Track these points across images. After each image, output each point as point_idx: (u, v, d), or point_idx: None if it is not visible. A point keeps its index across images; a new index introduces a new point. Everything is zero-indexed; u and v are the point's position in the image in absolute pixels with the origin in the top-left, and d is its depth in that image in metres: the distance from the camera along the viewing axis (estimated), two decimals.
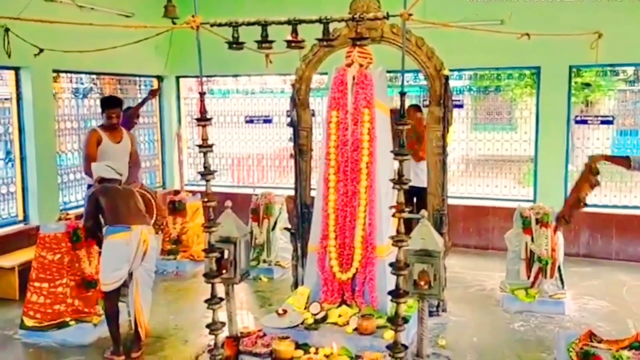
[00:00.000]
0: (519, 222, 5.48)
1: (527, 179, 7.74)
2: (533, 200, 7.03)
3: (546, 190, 7.03)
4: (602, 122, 7.06)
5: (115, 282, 4.43)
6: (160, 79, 8.56)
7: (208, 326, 3.51)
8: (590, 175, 4.10)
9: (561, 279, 5.38)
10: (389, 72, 5.12)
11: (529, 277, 5.39)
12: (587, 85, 7.93)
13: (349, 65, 4.64)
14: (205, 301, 3.50)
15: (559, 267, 5.37)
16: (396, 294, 3.16)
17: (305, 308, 4.60)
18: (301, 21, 3.34)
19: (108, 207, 4.46)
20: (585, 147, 7.38)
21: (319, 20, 3.34)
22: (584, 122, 7.10)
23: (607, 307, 5.43)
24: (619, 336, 4.13)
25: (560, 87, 6.87)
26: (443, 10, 6.18)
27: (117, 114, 5.62)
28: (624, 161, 4.27)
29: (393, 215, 3.08)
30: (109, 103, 5.74)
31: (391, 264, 3.15)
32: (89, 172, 5.42)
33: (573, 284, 5.70)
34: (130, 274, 4.52)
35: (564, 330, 4.77)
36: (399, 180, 3.08)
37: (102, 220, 4.55)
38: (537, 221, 5.37)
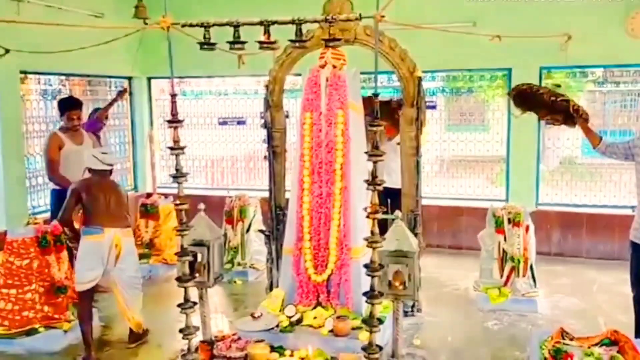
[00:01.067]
0: (492, 221, 5.54)
1: (499, 179, 7.83)
2: (505, 200, 7.12)
3: (518, 190, 7.13)
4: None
5: (90, 281, 4.44)
6: (130, 79, 8.43)
7: (181, 331, 3.46)
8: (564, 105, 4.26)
9: (533, 278, 5.45)
10: (362, 73, 5.12)
11: (502, 276, 5.46)
12: (558, 86, 8.03)
13: (322, 67, 4.62)
14: (178, 305, 3.45)
15: (531, 266, 5.44)
16: (371, 295, 3.16)
17: (280, 311, 4.58)
18: (274, 22, 3.32)
19: (86, 206, 4.43)
20: (555, 147, 7.50)
21: (292, 22, 3.31)
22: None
23: (578, 304, 5.53)
24: (590, 333, 4.18)
25: None
26: (416, 11, 6.21)
27: (78, 116, 5.53)
28: (596, 138, 4.37)
29: (367, 217, 3.08)
30: (69, 105, 5.64)
31: (366, 265, 3.15)
32: (52, 177, 5.34)
33: (545, 283, 5.78)
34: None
35: (537, 328, 4.84)
36: (372, 181, 3.07)
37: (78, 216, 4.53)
38: (510, 221, 5.44)
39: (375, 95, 3.09)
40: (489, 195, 7.67)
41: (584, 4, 6.52)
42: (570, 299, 5.64)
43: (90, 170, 4.57)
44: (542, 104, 4.57)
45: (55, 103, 7.19)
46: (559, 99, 4.45)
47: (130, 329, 4.74)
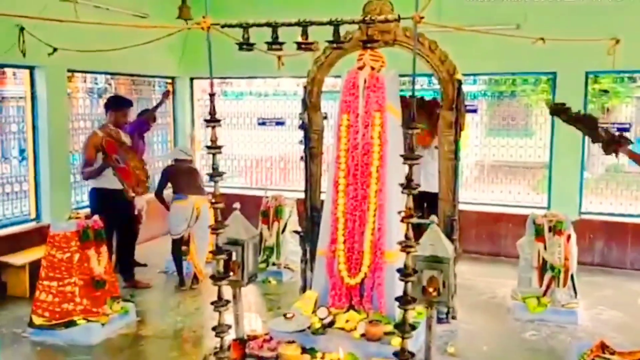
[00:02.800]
0: (532, 229, 5.39)
1: (541, 185, 7.64)
2: (547, 207, 6.94)
3: (560, 198, 6.93)
4: (619, 129, 6.93)
5: (178, 234, 6.06)
6: (174, 79, 8.57)
7: (214, 328, 3.49)
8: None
9: (574, 288, 5.29)
10: (401, 75, 5.07)
11: (541, 286, 5.31)
12: (605, 91, 7.81)
13: (360, 68, 4.60)
14: (212, 303, 3.48)
15: (571, 276, 5.27)
16: (403, 301, 3.11)
17: (312, 312, 4.57)
18: (311, 23, 3.31)
19: (173, 181, 6.10)
20: (600, 154, 7.24)
21: (330, 22, 3.30)
22: (622, 133, 6.99)
23: (621, 317, 5.33)
24: (632, 347, 4.04)
25: (577, 93, 6.76)
26: (458, 14, 6.12)
27: (125, 113, 5.69)
28: None
29: (401, 221, 3.04)
30: (119, 104, 5.81)
31: (399, 270, 3.11)
32: (88, 177, 5.55)
33: (586, 294, 5.60)
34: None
35: (576, 340, 4.69)
36: (407, 185, 3.03)
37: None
38: (550, 229, 5.28)
39: (412, 97, 3.05)
40: (529, 202, 7.49)
41: (633, 5, 6.30)
42: (613, 312, 5.44)
43: (176, 160, 6.26)
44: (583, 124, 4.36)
45: (101, 101, 7.42)
46: (599, 129, 4.23)
47: (194, 275, 6.09)
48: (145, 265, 6.65)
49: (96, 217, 5.09)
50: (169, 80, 8.55)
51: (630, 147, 4.11)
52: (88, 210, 5.94)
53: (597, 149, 7.09)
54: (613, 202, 7.18)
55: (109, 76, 7.70)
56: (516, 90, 7.75)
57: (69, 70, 6.68)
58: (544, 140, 7.28)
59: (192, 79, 8.74)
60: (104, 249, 5.05)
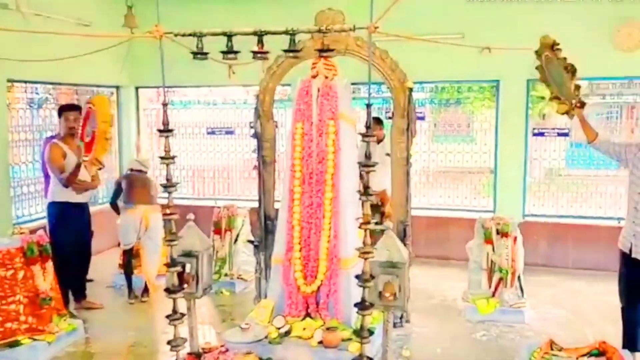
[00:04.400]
0: (480, 232, 5.56)
1: (486, 190, 7.88)
2: (493, 210, 7.16)
3: (505, 201, 7.17)
4: (559, 134, 7.26)
5: (128, 244, 5.94)
6: (118, 89, 8.37)
7: (169, 342, 3.43)
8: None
9: (521, 289, 5.47)
10: (353, 84, 5.15)
11: (490, 287, 5.47)
12: (543, 98, 8.13)
13: (314, 77, 4.64)
14: (167, 316, 3.42)
15: (518, 277, 5.46)
16: (362, 306, 3.15)
17: (269, 322, 4.54)
18: (267, 32, 3.33)
19: (125, 189, 5.97)
20: (542, 158, 7.57)
21: (285, 32, 3.33)
22: (541, 134, 7.29)
23: (566, 315, 5.55)
24: (577, 344, 4.20)
25: (519, 100, 7.04)
26: (405, 23, 6.24)
27: (75, 117, 5.50)
28: (592, 132, 4.38)
29: (359, 227, 3.07)
30: (68, 107, 5.65)
31: (357, 276, 3.14)
32: (67, 184, 5.32)
33: (532, 293, 5.80)
34: None
35: (525, 339, 4.85)
36: (365, 191, 3.07)
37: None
38: (498, 231, 5.46)
39: (368, 105, 3.10)
40: (476, 206, 7.71)
41: (572, 17, 6.62)
42: (558, 310, 5.66)
43: (131, 169, 6.17)
44: (560, 77, 4.53)
45: (42, 112, 7.16)
46: (574, 81, 4.43)
47: (145, 287, 6.01)
48: (91, 280, 6.44)
49: (41, 231, 4.90)
50: (114, 90, 8.34)
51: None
52: (32, 225, 5.70)
53: (539, 154, 7.41)
54: (554, 205, 7.48)
55: (50, 86, 7.44)
56: (461, 98, 7.97)
57: (8, 80, 6.42)
58: (489, 146, 7.52)
59: (137, 88, 8.56)
60: (49, 264, 4.86)
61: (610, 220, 6.91)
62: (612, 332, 4.64)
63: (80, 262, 5.70)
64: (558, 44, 4.48)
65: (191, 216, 4.05)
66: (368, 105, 3.07)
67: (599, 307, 5.65)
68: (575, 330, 5.12)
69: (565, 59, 4.45)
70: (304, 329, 4.41)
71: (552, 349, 4.02)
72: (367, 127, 3.11)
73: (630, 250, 4.20)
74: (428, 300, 5.96)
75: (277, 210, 4.98)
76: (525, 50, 6.13)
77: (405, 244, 4.64)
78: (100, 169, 5.57)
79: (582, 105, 4.40)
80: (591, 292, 6.16)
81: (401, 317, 5.12)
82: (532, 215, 7.27)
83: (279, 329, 4.41)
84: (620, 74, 6.87)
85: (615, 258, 4.44)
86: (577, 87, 4.42)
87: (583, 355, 3.90)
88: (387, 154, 5.37)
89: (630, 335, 4.35)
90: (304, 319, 4.54)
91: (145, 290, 6.01)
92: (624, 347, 4.18)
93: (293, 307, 4.60)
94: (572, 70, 4.45)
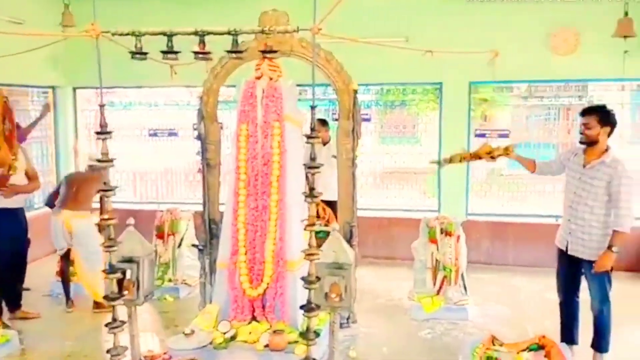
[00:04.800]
0: (425, 232, 5.65)
1: (431, 190, 8.02)
2: (437, 210, 7.28)
3: (449, 201, 7.32)
4: (499, 136, 7.47)
5: (60, 249, 5.64)
6: (54, 89, 8.04)
7: (109, 351, 3.30)
8: (487, 156, 4.61)
9: (464, 286, 5.59)
10: (298, 85, 5.12)
11: (434, 285, 5.56)
12: (484, 100, 8.36)
13: (258, 78, 4.59)
14: (106, 325, 3.29)
15: (462, 275, 5.57)
16: (308, 308, 3.13)
17: (214, 327, 4.46)
18: (209, 32, 3.27)
19: (62, 190, 5.68)
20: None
21: (228, 32, 3.28)
22: (483, 135, 7.47)
23: (507, 311, 5.71)
24: (518, 339, 4.32)
25: (461, 102, 7.20)
26: (351, 26, 6.28)
27: (10, 117, 5.24)
28: (531, 164, 4.59)
29: (305, 229, 3.05)
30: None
31: (303, 278, 3.12)
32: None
33: (475, 290, 5.93)
34: None
35: (468, 335, 4.95)
36: (310, 193, 3.05)
37: None
38: (442, 231, 5.56)
39: (312, 107, 3.08)
40: (421, 207, 7.82)
41: (511, 22, 6.82)
42: (499, 306, 5.81)
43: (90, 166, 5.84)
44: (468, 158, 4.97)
45: None
46: (478, 158, 4.82)
47: (68, 295, 5.73)
48: (28, 289, 6.15)
49: None
50: (50, 90, 8.01)
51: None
52: None
53: None
54: (495, 204, 7.69)
55: None
56: (406, 100, 8.08)
57: None
58: (433, 147, 7.65)
59: (75, 89, 8.26)
60: None
61: (548, 219, 7.15)
62: (551, 326, 4.80)
63: (14, 272, 5.42)
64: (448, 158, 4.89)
65: (131, 220, 3.92)
66: (313, 107, 3.06)
67: (539, 303, 5.84)
68: (516, 326, 5.27)
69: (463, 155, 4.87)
70: (250, 333, 4.35)
71: (493, 345, 4.12)
72: (312, 128, 3.09)
73: (567, 248, 4.36)
74: (375, 300, 6.01)
75: (222, 213, 4.90)
76: (467, 54, 6.32)
77: (351, 245, 4.66)
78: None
79: (507, 152, 4.64)
80: (531, 288, 6.36)
81: (348, 318, 5.13)
82: (474, 215, 7.44)
83: (224, 334, 4.33)
84: (557, 77, 7.12)
85: (553, 254, 4.59)
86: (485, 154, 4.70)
87: (523, 350, 4.00)
88: (334, 156, 5.37)
89: (567, 329, 4.51)
90: (249, 323, 4.49)
91: (95, 303, 5.62)
92: (562, 340, 4.33)
93: (239, 312, 4.53)
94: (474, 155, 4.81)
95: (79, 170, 5.91)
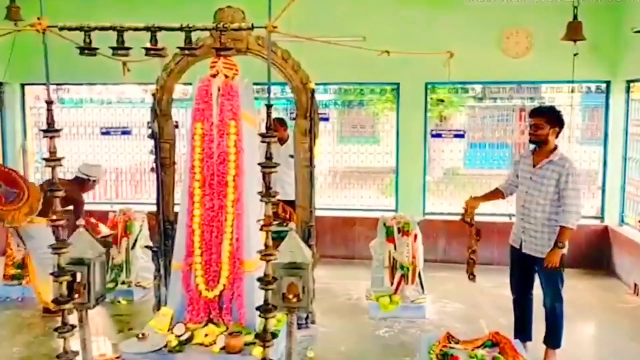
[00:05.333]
0: (383, 231, 5.68)
1: (389, 189, 8.08)
2: (395, 209, 7.34)
3: (407, 200, 7.38)
4: (455, 136, 7.59)
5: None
6: (1, 85, 7.74)
7: (59, 357, 3.18)
8: (472, 233, 4.69)
9: (421, 285, 5.64)
10: (255, 84, 5.06)
11: (392, 284, 5.59)
12: (441, 101, 8.49)
13: (213, 76, 4.50)
14: (55, 329, 3.17)
15: (419, 273, 5.62)
16: (264, 309, 3.08)
17: (168, 330, 4.35)
18: (161, 28, 3.17)
19: None
20: (440, 159, 7.87)
21: (180, 28, 3.19)
22: (439, 135, 7.58)
23: (463, 308, 5.79)
24: (473, 336, 4.39)
25: (418, 102, 7.28)
26: (308, 25, 6.26)
27: None
28: (498, 194, 4.67)
29: (261, 229, 3.01)
30: None
31: (259, 279, 3.07)
32: None
33: (432, 289, 6.00)
34: None
35: (425, 333, 5.00)
36: (266, 192, 3.01)
37: None
38: (399, 230, 5.60)
39: (268, 105, 3.04)
40: (379, 206, 7.88)
41: (465, 24, 6.94)
42: (455, 304, 5.90)
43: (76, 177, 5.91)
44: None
45: None
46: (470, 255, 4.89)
47: (44, 307, 5.52)
48: None
49: None
50: None
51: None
52: None
53: (437, 154, 7.71)
54: (452, 203, 7.80)
55: None
56: (364, 99, 8.12)
57: None
58: (390, 147, 7.71)
59: (23, 85, 7.97)
60: None
61: (502, 217, 7.29)
62: (505, 323, 4.89)
63: None
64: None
65: (81, 222, 3.80)
66: (268, 106, 3.02)
67: (493, 300, 5.95)
68: (472, 323, 5.35)
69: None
70: (206, 335, 4.26)
71: (449, 342, 4.17)
72: (268, 127, 3.05)
73: (521, 246, 4.45)
74: (333, 299, 6.00)
75: (176, 213, 4.80)
76: (423, 55, 6.38)
77: (309, 245, 4.64)
78: None
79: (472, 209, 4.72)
80: (486, 285, 6.44)
81: (306, 318, 5.11)
82: (431, 214, 7.52)
83: (179, 336, 4.23)
84: (510, 79, 7.28)
85: (507, 253, 4.68)
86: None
87: (478, 347, 4.07)
88: (291, 156, 5.34)
89: (521, 325, 4.61)
90: (205, 325, 4.40)
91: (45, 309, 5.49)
92: (515, 337, 4.41)
93: (194, 314, 4.44)
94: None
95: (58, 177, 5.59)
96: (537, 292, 4.52)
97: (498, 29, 6.93)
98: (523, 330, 4.58)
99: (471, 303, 5.93)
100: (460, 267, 7.09)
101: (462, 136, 7.64)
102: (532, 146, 4.50)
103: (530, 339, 4.57)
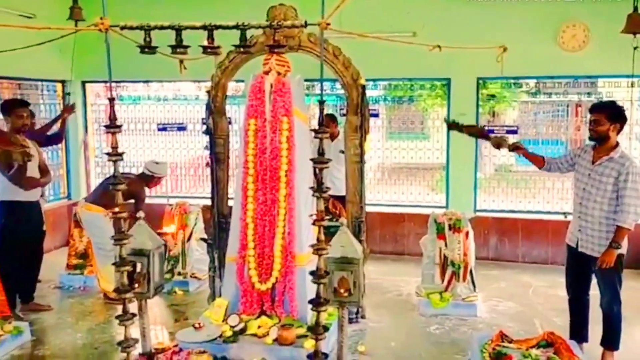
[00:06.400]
0: (433, 227, 5.64)
1: (439, 186, 8.01)
2: (445, 206, 7.28)
3: (457, 197, 7.30)
4: (508, 132, 7.43)
5: None
6: (64, 83, 8.09)
7: (119, 344, 3.33)
8: (497, 141, 4.60)
9: (473, 282, 5.58)
10: (306, 80, 5.13)
11: (443, 281, 5.56)
12: (492, 96, 8.34)
13: (266, 73, 4.59)
14: (117, 317, 3.32)
15: (470, 271, 5.56)
16: (317, 303, 3.14)
17: (223, 320, 4.48)
18: (217, 27, 3.26)
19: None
20: (492, 155, 7.74)
21: (236, 27, 3.27)
22: (491, 131, 7.41)
23: (516, 308, 5.69)
24: (527, 335, 4.33)
25: (469, 98, 7.17)
26: (358, 21, 6.28)
27: (27, 114, 5.28)
28: (539, 159, 4.57)
29: (313, 224, 3.06)
30: (16, 103, 5.40)
31: (312, 273, 3.13)
32: (20, 183, 5.05)
33: (483, 287, 5.93)
34: None
35: (477, 331, 4.94)
36: (318, 188, 3.06)
37: None
38: (450, 227, 5.55)
39: (321, 102, 3.09)
40: (429, 202, 7.82)
41: (519, 17, 6.79)
42: (508, 303, 5.80)
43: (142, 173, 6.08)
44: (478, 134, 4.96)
45: None
46: (493, 137, 4.76)
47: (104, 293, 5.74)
48: (39, 281, 6.22)
49: None
50: (59, 84, 8.04)
51: (511, 142, 4.61)
52: None
53: (489, 150, 7.59)
54: (504, 200, 7.67)
55: None
56: (414, 95, 8.06)
57: None
58: (441, 143, 7.64)
59: (84, 83, 8.30)
60: None
61: (557, 215, 7.12)
62: (560, 323, 4.80)
63: (31, 264, 5.47)
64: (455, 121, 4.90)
65: (141, 214, 3.95)
66: (321, 102, 3.06)
67: (547, 300, 5.83)
68: (525, 322, 5.26)
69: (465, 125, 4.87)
70: (259, 326, 4.37)
71: (502, 341, 4.13)
72: (320, 123, 3.10)
73: (577, 245, 4.34)
74: (383, 295, 6.01)
75: (230, 207, 4.92)
76: (475, 49, 6.29)
77: (359, 240, 4.66)
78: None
79: (516, 147, 4.61)
80: (539, 285, 6.34)
81: (357, 313, 5.14)
82: (482, 211, 7.42)
83: (233, 327, 4.36)
84: (566, 73, 7.08)
85: (562, 251, 4.58)
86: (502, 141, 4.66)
87: (532, 347, 4.01)
88: (341, 151, 5.37)
89: (577, 326, 4.50)
90: (258, 317, 4.50)
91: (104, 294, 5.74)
92: (571, 337, 4.32)
93: (248, 305, 4.56)
94: (476, 127, 5.00)
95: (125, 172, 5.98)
96: (594, 292, 4.41)
97: (554, 22, 6.75)
98: (579, 331, 4.47)
99: (524, 302, 5.83)
100: (513, 266, 7.04)
101: (515, 132, 7.47)
102: (592, 142, 4.38)
103: (586, 340, 4.46)
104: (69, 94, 7.97)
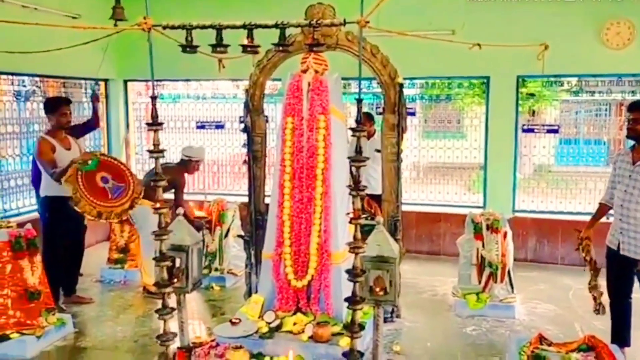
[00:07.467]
0: (470, 227, 5.57)
1: (476, 185, 7.91)
2: (483, 206, 7.18)
3: (495, 197, 7.20)
4: (548, 131, 7.29)
5: None
6: (106, 82, 8.29)
7: (159, 337, 3.41)
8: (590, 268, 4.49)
9: (511, 284, 5.49)
10: (343, 79, 5.13)
11: (480, 282, 5.49)
12: (532, 95, 8.18)
13: (304, 72, 4.61)
14: (156, 311, 3.40)
15: (508, 272, 5.48)
16: (353, 301, 3.15)
17: (259, 317, 4.53)
18: (257, 26, 3.30)
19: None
20: (532, 154, 7.60)
21: (276, 25, 3.30)
22: (531, 130, 7.31)
23: (555, 310, 5.59)
24: (567, 339, 4.24)
25: (509, 96, 7.05)
26: (396, 19, 6.25)
27: (71, 111, 5.47)
28: (604, 209, 4.48)
29: (350, 222, 3.07)
30: (61, 101, 5.59)
31: (347, 271, 3.14)
32: (59, 179, 5.20)
33: (522, 288, 5.84)
34: None
35: (515, 333, 4.87)
36: (355, 186, 3.07)
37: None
38: (488, 227, 5.47)
39: (359, 100, 3.09)
40: (466, 202, 7.73)
41: (561, 14, 6.64)
42: (547, 305, 5.70)
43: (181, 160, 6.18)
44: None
45: (29, 104, 7.06)
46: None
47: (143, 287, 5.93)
48: (81, 274, 6.40)
49: (29, 225, 4.84)
50: (102, 83, 8.25)
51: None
52: (19, 218, 5.63)
53: (529, 150, 7.46)
54: (543, 201, 7.52)
55: (37, 78, 7.36)
56: (451, 94, 7.97)
57: None
58: (479, 142, 7.54)
59: (125, 81, 8.49)
60: (37, 258, 4.81)
61: None
62: (601, 327, 4.68)
63: (73, 257, 5.66)
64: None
65: (180, 210, 4.03)
66: (359, 101, 3.07)
67: (587, 303, 5.65)
68: (565, 325, 5.16)
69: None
70: (295, 323, 4.40)
71: (541, 344, 4.05)
72: (358, 122, 3.10)
73: (619, 247, 4.24)
74: (418, 295, 5.98)
75: (267, 205, 4.97)
76: (515, 47, 6.19)
77: (395, 239, 4.64)
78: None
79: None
80: (579, 287, 6.18)
81: (392, 312, 5.13)
82: (521, 211, 7.29)
83: (269, 323, 4.40)
84: (609, 72, 6.90)
85: (603, 254, 4.47)
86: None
87: (572, 350, 3.93)
88: (377, 150, 5.37)
89: (618, 330, 4.39)
90: (294, 313, 4.53)
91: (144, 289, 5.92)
92: (612, 342, 4.22)
93: (283, 302, 4.59)
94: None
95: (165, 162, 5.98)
96: (637, 295, 4.29)
97: (597, 19, 6.59)
98: (621, 335, 4.36)
99: (564, 305, 5.71)
100: (552, 268, 6.90)
101: (556, 131, 7.33)
102: (630, 143, 4.26)
103: (628, 344, 4.35)
104: (95, 87, 8.14)
